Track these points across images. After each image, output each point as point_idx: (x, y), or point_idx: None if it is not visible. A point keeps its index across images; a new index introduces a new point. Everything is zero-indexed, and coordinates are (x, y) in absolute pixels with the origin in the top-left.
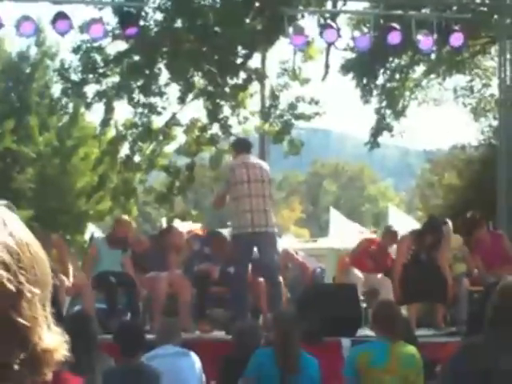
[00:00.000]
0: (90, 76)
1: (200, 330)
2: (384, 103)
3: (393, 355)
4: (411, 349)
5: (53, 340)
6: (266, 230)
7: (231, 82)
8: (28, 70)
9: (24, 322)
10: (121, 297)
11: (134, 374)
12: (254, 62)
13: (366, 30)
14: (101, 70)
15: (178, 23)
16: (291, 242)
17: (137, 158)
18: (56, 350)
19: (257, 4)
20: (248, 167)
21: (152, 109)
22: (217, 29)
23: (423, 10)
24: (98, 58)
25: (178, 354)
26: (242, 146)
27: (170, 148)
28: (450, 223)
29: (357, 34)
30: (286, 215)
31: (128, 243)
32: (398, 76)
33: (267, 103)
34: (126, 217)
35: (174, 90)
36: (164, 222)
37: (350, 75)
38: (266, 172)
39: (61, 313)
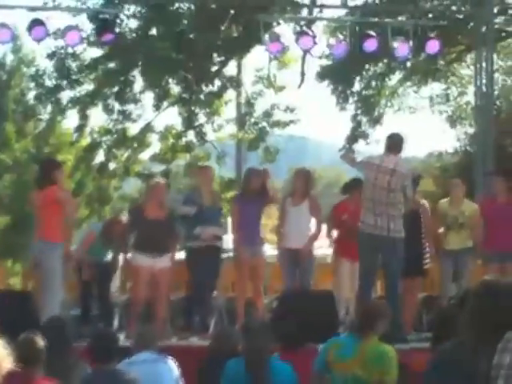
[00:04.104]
0: (65, 82)
1: (180, 337)
2: (360, 110)
3: (361, 350)
4: (384, 347)
5: None
6: (388, 234)
7: (206, 89)
8: (4, 77)
9: None
10: (95, 303)
11: (110, 380)
12: (230, 69)
13: (342, 37)
14: (75, 77)
15: (153, 30)
16: (267, 249)
17: (112, 165)
18: None
19: (232, 11)
20: (379, 171)
21: (127, 116)
22: (192, 36)
23: (399, 18)
24: (73, 64)
25: (156, 361)
26: (387, 144)
27: (145, 155)
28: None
29: (333, 41)
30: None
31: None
32: (374, 83)
33: (243, 111)
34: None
35: (149, 97)
36: None
37: (326, 82)
38: (400, 179)
39: (37, 320)
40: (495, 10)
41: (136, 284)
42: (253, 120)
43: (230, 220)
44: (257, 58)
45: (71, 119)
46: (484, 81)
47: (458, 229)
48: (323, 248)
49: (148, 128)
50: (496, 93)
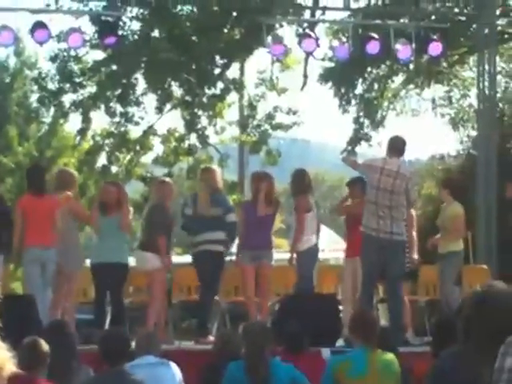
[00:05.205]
0: (67, 85)
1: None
2: (362, 113)
3: (371, 364)
4: (389, 356)
5: None
6: (391, 237)
7: (209, 92)
8: (7, 80)
9: None
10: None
11: (117, 381)
12: (232, 72)
13: (344, 39)
14: (77, 80)
15: (156, 33)
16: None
17: (114, 168)
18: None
19: (234, 13)
20: (382, 173)
21: (129, 118)
22: (194, 38)
23: (401, 20)
24: (75, 67)
25: (158, 364)
26: (389, 147)
27: (147, 158)
28: None
29: (335, 43)
30: None
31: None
32: (376, 86)
33: (245, 113)
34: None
35: (151, 100)
36: None
37: (329, 85)
38: (403, 181)
39: (40, 324)
40: (497, 12)
41: (160, 284)
42: (255, 122)
43: None
44: (259, 60)
45: (73, 122)
46: (486, 83)
47: (442, 232)
48: (327, 251)
49: (150, 131)
50: (498, 95)
